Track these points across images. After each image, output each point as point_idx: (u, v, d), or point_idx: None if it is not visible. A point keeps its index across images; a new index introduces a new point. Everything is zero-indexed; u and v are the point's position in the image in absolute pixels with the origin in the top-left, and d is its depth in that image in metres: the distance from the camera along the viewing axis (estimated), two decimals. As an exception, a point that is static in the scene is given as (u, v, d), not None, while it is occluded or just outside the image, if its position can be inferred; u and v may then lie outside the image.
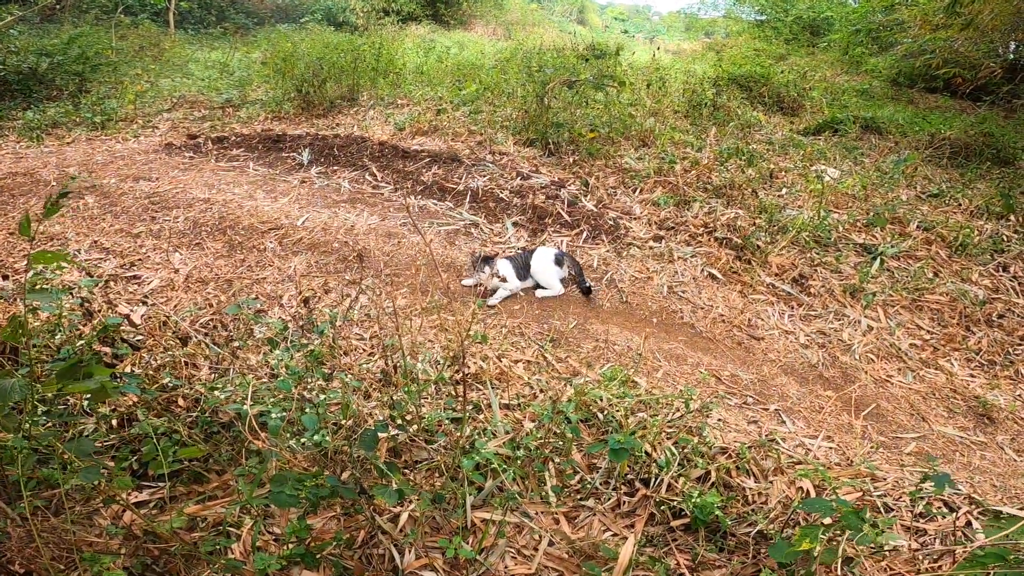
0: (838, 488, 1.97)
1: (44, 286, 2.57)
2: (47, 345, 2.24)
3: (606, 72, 7.51)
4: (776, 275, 3.89)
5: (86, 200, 3.98)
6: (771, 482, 1.99)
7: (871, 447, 2.47)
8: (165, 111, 6.94)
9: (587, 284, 3.50)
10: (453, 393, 2.33)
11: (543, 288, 3.48)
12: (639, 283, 3.68)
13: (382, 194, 4.57)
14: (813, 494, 1.95)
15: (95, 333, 2.36)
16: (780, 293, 3.74)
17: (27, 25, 9.64)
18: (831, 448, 2.38)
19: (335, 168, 5.03)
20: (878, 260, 4.10)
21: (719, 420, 2.36)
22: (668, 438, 2.09)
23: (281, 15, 14.76)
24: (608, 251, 3.97)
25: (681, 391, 2.35)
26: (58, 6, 10.71)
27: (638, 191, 4.88)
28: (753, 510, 1.88)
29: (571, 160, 5.34)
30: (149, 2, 10.65)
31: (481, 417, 2.20)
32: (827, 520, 1.54)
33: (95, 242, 3.33)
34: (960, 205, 5.18)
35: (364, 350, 2.66)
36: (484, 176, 4.88)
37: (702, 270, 3.85)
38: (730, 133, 6.72)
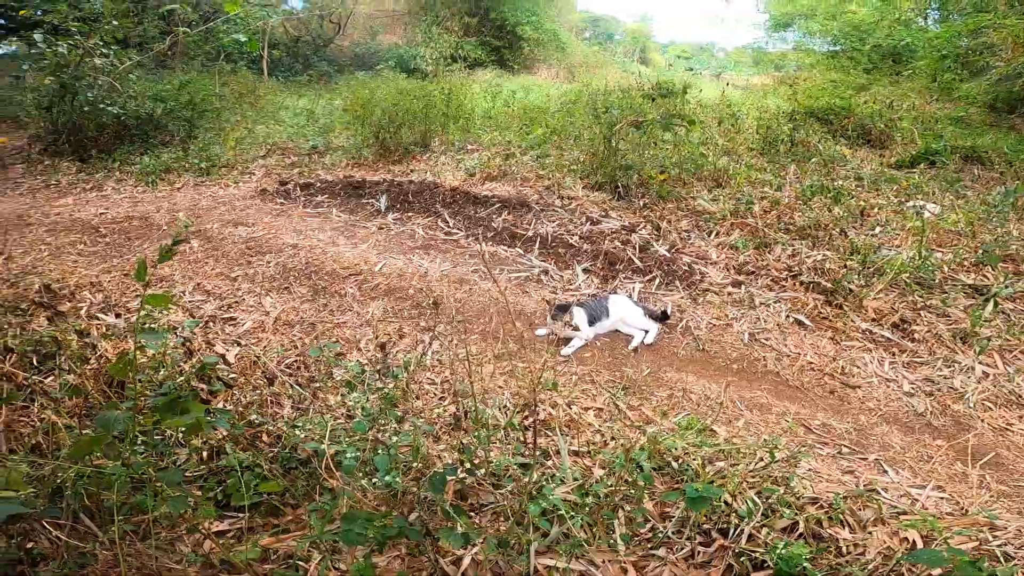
0: (949, 538, 1.77)
1: (152, 326, 2.83)
2: (150, 380, 2.44)
3: (674, 111, 7.50)
4: (873, 320, 3.61)
5: (192, 244, 4.40)
6: (870, 533, 1.80)
7: (990, 496, 2.19)
8: (260, 157, 7.54)
9: (662, 310, 3.50)
10: (522, 439, 2.30)
11: (635, 334, 3.36)
12: (717, 330, 3.53)
13: (454, 240, 4.73)
14: (920, 545, 1.74)
15: (194, 370, 2.56)
16: (878, 339, 3.46)
17: (143, 70, 10.37)
18: (942, 498, 2.13)
19: (410, 214, 5.28)
20: (991, 302, 3.71)
21: (809, 470, 2.17)
22: (750, 488, 1.94)
23: (359, 63, 15.91)
24: (683, 297, 3.86)
25: (765, 440, 2.19)
26: (169, 52, 11.69)
27: (713, 234, 4.74)
28: (848, 562, 1.70)
29: (641, 203, 5.30)
30: (246, 50, 11.62)
31: (549, 463, 2.16)
32: (935, 572, 1.36)
33: (198, 285, 3.65)
34: (1085, 239, 4.63)
35: (436, 395, 2.70)
36: (553, 221, 4.94)
37: (787, 316, 3.64)
38: (812, 169, 6.44)
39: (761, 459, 2.10)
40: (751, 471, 2.03)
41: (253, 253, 4.27)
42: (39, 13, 10.73)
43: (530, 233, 4.74)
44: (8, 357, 2.52)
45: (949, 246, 4.47)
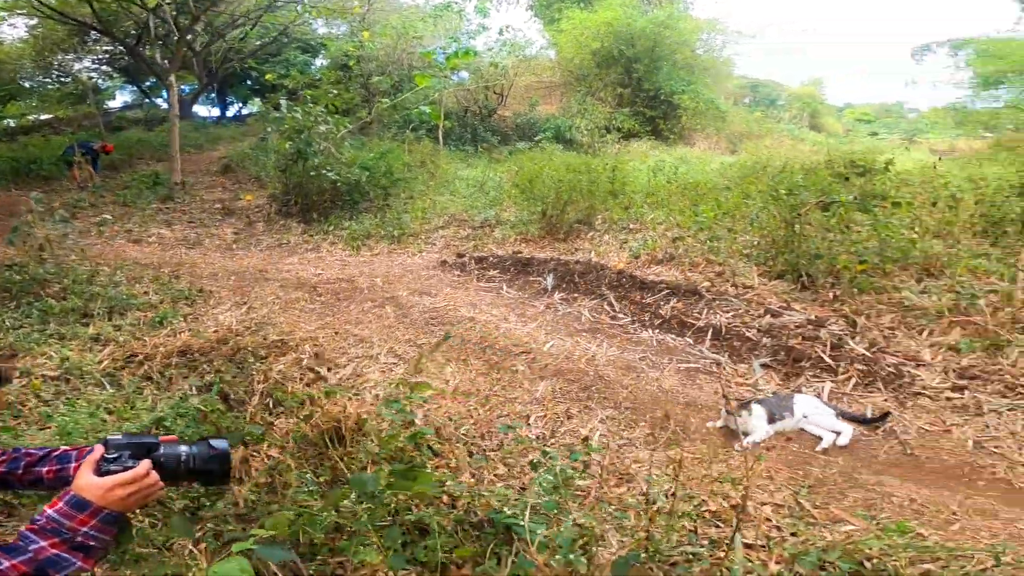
0: None
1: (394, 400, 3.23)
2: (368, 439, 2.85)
3: (867, 190, 6.98)
4: None
5: (386, 309, 5.15)
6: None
7: None
8: (440, 228, 8.52)
9: (884, 412, 3.44)
10: (691, 528, 2.34)
11: (824, 435, 3.29)
12: (931, 436, 3.31)
13: (620, 325, 4.93)
14: None
15: (407, 439, 2.86)
16: None
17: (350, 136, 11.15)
18: None
19: (575, 295, 5.60)
20: None
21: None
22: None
23: (520, 132, 16.87)
24: (886, 400, 3.68)
25: (991, 545, 2.07)
26: (368, 118, 13.26)
27: (926, 332, 4.31)
28: None
29: (831, 295, 5.01)
30: (426, 120, 12.68)
31: (721, 554, 2.15)
32: None
33: (391, 348, 4.25)
34: None
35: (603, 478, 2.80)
36: (727, 311, 4.92)
37: (1028, 426, 3.21)
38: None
39: (980, 563, 1.97)
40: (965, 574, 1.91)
41: (436, 323, 4.87)
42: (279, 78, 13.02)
43: (701, 323, 4.77)
44: (252, 400, 3.19)
45: None
